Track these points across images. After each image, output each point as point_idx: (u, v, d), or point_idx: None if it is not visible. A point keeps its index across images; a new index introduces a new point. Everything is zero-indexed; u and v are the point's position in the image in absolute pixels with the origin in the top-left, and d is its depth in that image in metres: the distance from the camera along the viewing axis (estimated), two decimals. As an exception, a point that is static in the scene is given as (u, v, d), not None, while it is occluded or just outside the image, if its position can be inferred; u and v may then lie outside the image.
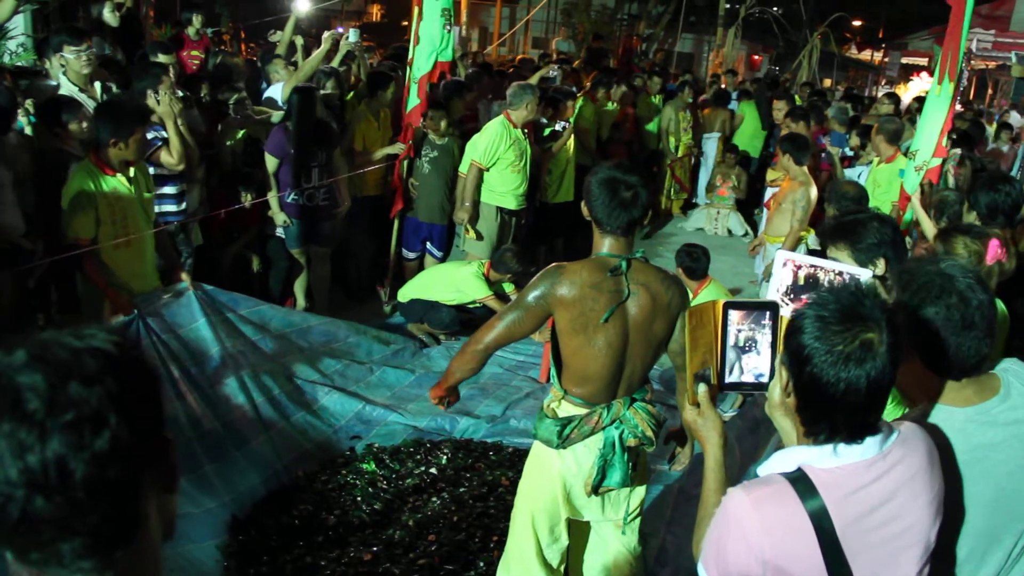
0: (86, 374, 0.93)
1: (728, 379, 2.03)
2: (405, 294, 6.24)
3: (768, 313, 2.00)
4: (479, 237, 6.67)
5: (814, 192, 5.99)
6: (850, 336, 1.60)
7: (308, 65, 6.47)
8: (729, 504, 1.71)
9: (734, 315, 2.00)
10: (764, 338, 2.00)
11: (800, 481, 1.66)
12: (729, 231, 10.38)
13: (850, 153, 8.39)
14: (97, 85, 5.17)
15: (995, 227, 3.85)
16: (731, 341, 2.00)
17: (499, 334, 2.80)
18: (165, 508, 1.06)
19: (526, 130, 6.68)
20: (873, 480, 1.67)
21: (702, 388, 2.03)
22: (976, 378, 1.92)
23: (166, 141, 4.83)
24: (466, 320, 6.27)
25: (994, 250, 2.86)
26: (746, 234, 10.18)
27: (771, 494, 1.67)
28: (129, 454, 0.94)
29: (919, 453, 1.74)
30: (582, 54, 13.39)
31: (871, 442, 1.68)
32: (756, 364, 2.01)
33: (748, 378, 2.02)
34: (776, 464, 1.73)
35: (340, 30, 7.27)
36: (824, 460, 1.67)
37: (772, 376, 1.95)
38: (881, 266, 2.74)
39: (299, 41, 7.64)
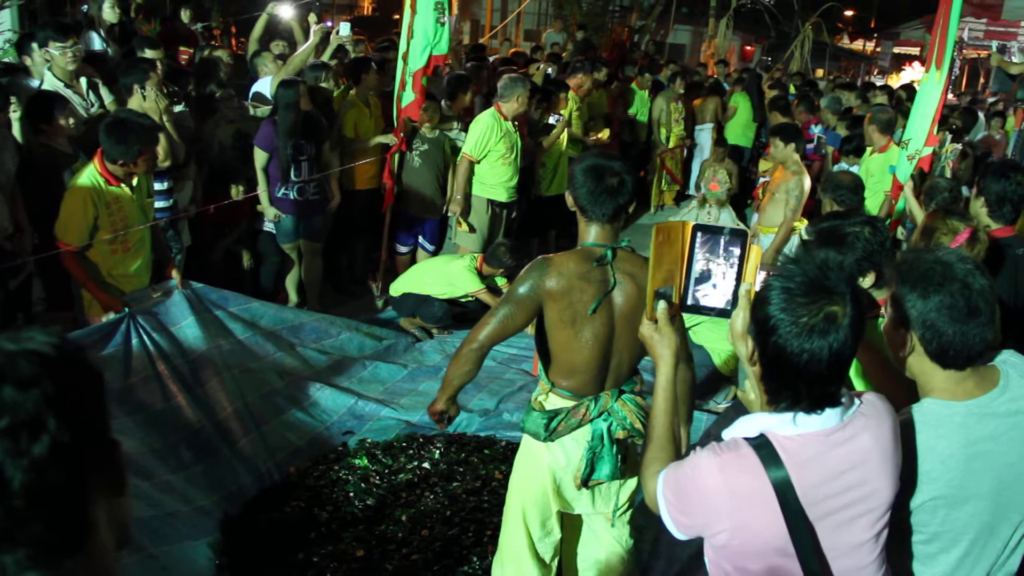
0: (21, 377, 0.89)
1: (690, 301, 2.03)
2: (397, 288, 6.22)
3: (737, 240, 2.00)
4: (471, 230, 6.65)
5: (807, 181, 5.97)
6: (815, 308, 1.64)
7: (296, 59, 6.45)
8: (696, 465, 1.77)
9: (703, 238, 2.00)
10: (731, 266, 2.00)
11: (763, 448, 1.71)
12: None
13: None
14: (83, 81, 5.13)
15: (1001, 217, 3.84)
16: (698, 264, 2.00)
17: (492, 331, 2.76)
18: (116, 513, 1.03)
19: (517, 123, 6.66)
20: (832, 448, 1.72)
21: (662, 305, 2.05)
22: (977, 370, 1.92)
23: None
24: (458, 314, 6.25)
25: (960, 237, 2.89)
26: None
27: (736, 459, 1.72)
28: (71, 459, 0.91)
29: (883, 423, 1.78)
30: (568, 46, 13.32)
31: (831, 413, 1.73)
32: (721, 290, 2.02)
33: (711, 303, 2.03)
34: (740, 428, 1.78)
35: (329, 24, 7.21)
36: (784, 428, 1.72)
37: (735, 304, 1.97)
38: (870, 279, 2.70)
39: (307, 26, 7.52)
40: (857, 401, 1.78)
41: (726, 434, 1.80)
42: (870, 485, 1.74)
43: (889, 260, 2.73)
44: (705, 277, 2.01)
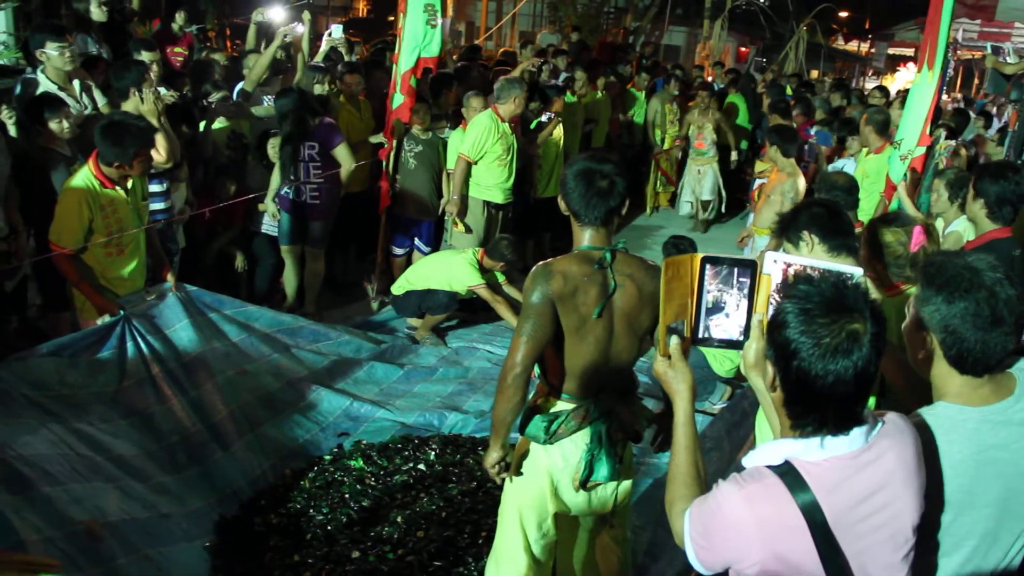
0: None
1: (702, 334, 2.02)
2: (400, 286, 6.21)
3: (747, 271, 1.98)
4: (468, 230, 6.67)
5: (802, 183, 5.99)
6: (836, 328, 1.61)
7: (260, 64, 6.55)
8: (721, 499, 1.73)
9: (712, 270, 1.99)
10: (742, 296, 1.99)
11: (789, 475, 1.67)
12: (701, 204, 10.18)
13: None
14: (76, 83, 5.13)
15: (1000, 217, 3.83)
16: (708, 297, 2.00)
17: (527, 350, 2.66)
18: None
19: (513, 124, 6.67)
20: (859, 471, 1.68)
21: (674, 340, 2.03)
22: (993, 377, 1.89)
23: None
24: (465, 302, 6.23)
25: (917, 237, 2.89)
26: (710, 212, 10.21)
27: (762, 490, 1.68)
28: None
29: (906, 444, 1.75)
30: (563, 46, 13.34)
31: (857, 433, 1.69)
32: (732, 321, 2.01)
33: (723, 335, 2.02)
34: (762, 456, 1.74)
35: (299, 28, 7.16)
36: (810, 453, 1.68)
37: (747, 335, 1.95)
38: (806, 239, 2.79)
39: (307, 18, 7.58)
40: (880, 421, 1.75)
41: (747, 462, 1.77)
42: (895, 506, 1.71)
43: (829, 224, 2.81)
44: (716, 309, 2.00)
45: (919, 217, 3.56)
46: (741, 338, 2.00)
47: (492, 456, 2.83)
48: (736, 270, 1.99)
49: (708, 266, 1.99)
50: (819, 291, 1.65)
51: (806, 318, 1.62)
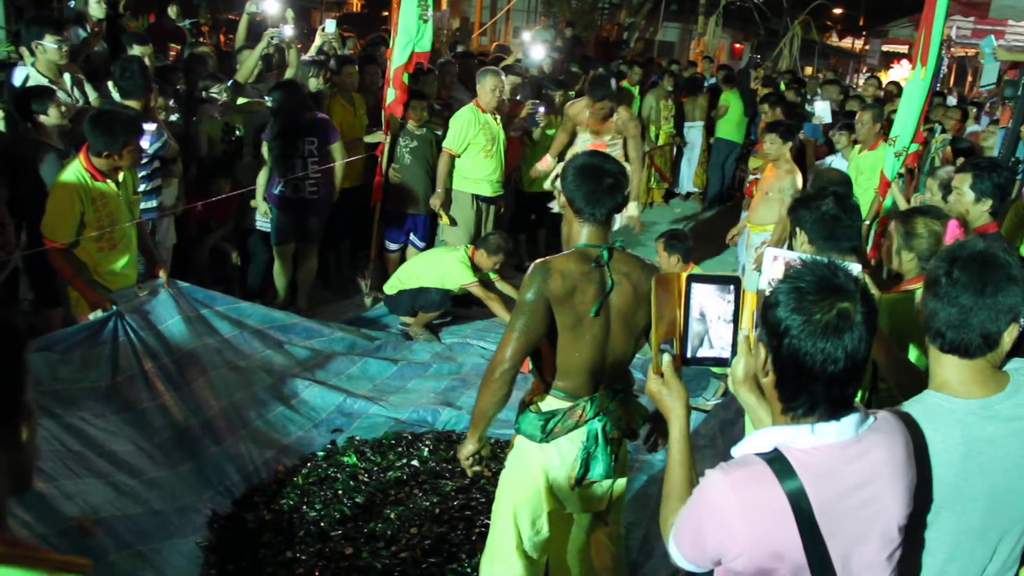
0: None
1: (690, 353, 2.03)
2: (392, 286, 6.19)
3: (731, 287, 2.00)
4: (453, 223, 6.65)
5: (799, 179, 5.99)
6: (826, 305, 1.61)
7: (249, 61, 6.53)
8: (707, 486, 1.72)
9: (697, 288, 2.00)
10: (727, 313, 2.00)
11: (777, 461, 1.66)
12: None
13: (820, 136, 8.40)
14: (67, 77, 5.10)
15: (983, 213, 3.83)
16: (694, 315, 2.01)
17: (517, 346, 2.66)
18: (14, 461, 1.10)
19: (497, 115, 6.65)
20: (848, 462, 1.68)
21: (666, 358, 2.03)
22: (986, 371, 1.88)
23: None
24: (458, 298, 6.21)
25: (952, 230, 2.88)
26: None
27: (749, 475, 1.67)
28: None
29: (896, 441, 1.74)
30: (557, 43, 13.32)
31: (847, 423, 1.68)
32: (719, 339, 2.01)
33: (711, 352, 2.03)
34: (752, 444, 1.74)
35: (286, 32, 7.12)
36: (800, 440, 1.67)
37: (735, 352, 1.96)
38: (799, 233, 2.83)
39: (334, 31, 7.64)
40: (871, 417, 1.74)
41: (736, 451, 1.76)
42: (882, 503, 1.70)
43: (816, 219, 2.84)
44: (702, 327, 2.01)
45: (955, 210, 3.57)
46: (728, 355, 2.01)
47: (468, 448, 2.84)
48: (720, 287, 2.01)
49: (694, 284, 2.00)
50: (811, 271, 1.66)
51: (797, 295, 1.63)
